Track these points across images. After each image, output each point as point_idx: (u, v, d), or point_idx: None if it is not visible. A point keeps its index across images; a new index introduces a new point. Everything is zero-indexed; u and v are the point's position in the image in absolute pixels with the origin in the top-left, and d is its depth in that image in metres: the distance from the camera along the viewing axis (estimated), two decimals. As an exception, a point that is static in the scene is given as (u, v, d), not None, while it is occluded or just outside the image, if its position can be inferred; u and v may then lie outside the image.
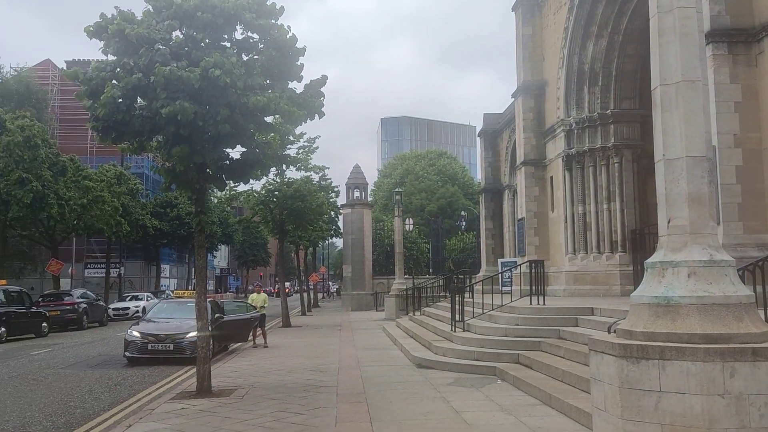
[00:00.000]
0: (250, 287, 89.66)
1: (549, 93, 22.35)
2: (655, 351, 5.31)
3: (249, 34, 10.79)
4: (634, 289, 6.14)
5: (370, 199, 48.92)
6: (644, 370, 5.33)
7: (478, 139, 37.81)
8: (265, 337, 19.59)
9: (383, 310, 32.03)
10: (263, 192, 28.52)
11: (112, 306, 37.27)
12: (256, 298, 20.64)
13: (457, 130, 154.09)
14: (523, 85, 23.25)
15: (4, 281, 27.76)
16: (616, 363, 5.49)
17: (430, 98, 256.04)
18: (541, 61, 22.97)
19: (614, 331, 6.14)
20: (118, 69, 10.13)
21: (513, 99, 25.20)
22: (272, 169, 19.65)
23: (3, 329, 22.86)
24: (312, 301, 46.93)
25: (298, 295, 46.66)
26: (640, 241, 18.58)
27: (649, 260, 5.91)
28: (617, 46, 19.36)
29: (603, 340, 5.87)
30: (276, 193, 28.19)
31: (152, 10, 10.54)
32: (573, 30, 19.94)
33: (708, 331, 5.29)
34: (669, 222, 5.74)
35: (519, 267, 20.00)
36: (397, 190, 40.40)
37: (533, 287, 14.98)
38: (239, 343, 19.07)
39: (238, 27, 10.66)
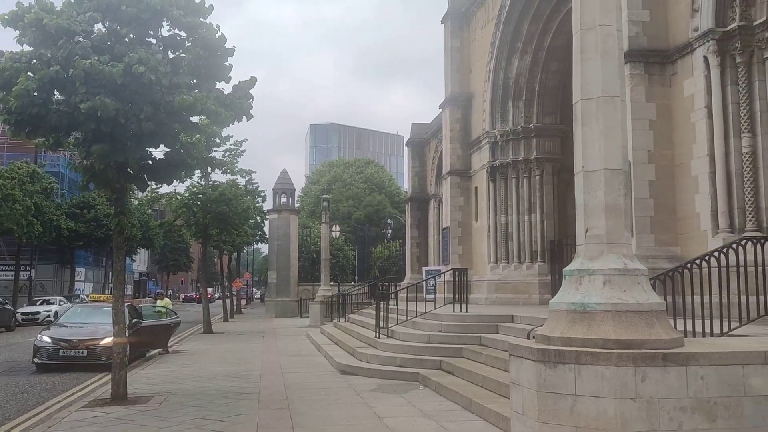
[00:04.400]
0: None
1: (476, 105, 22.80)
2: (571, 356, 5.47)
3: (176, 31, 10.55)
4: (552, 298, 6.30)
5: (297, 205, 48.60)
6: (561, 374, 5.48)
7: (405, 148, 38.16)
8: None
9: (308, 317, 31.75)
10: (187, 194, 27.88)
11: (20, 310, 35.43)
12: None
13: (385, 139, 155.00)
14: (450, 96, 23.64)
15: None
16: (535, 367, 5.62)
17: (356, 109, 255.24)
18: (469, 74, 23.43)
19: (533, 337, 6.29)
20: (35, 60, 9.74)
21: (441, 110, 25.58)
22: (197, 171, 19.18)
23: None
24: (235, 308, 46.08)
25: (221, 301, 45.72)
26: (558, 252, 19.15)
27: (567, 268, 6.09)
28: (541, 62, 19.99)
29: (522, 345, 6.01)
30: (200, 196, 27.60)
31: (73, 1, 10.15)
32: (499, 45, 20.44)
33: (621, 336, 5.48)
34: (586, 231, 5.94)
35: (443, 275, 20.26)
36: (324, 196, 40.14)
37: (456, 295, 15.19)
38: (157, 350, 18.49)
39: (164, 23, 10.41)
